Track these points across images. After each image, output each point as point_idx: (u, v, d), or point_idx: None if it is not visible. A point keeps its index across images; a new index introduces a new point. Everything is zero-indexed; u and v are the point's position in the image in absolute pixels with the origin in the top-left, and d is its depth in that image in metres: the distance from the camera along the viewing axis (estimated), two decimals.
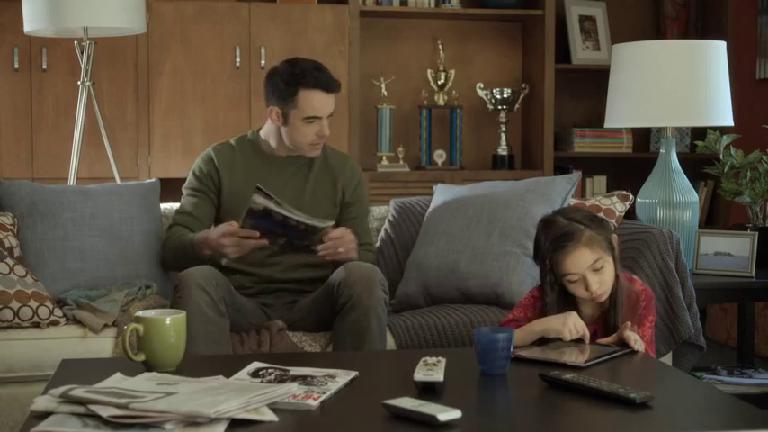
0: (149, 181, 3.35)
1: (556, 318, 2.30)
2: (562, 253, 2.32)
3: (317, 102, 2.83)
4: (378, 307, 2.62)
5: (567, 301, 2.38)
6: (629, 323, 2.31)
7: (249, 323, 2.77)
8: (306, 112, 2.83)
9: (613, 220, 3.11)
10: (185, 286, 2.56)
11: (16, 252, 2.96)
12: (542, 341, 2.29)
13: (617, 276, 2.37)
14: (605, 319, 2.39)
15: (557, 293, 2.38)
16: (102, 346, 2.77)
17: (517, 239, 3.00)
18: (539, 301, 2.43)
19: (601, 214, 2.92)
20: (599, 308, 2.40)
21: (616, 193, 3.22)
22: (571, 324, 2.26)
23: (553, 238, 2.34)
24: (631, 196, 3.24)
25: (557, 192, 3.12)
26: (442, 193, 3.33)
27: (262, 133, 2.99)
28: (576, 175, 3.19)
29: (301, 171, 2.97)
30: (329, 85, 2.85)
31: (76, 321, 2.83)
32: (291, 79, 2.83)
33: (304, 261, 2.88)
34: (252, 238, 2.66)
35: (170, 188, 4.00)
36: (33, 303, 2.80)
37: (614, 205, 3.16)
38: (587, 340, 2.27)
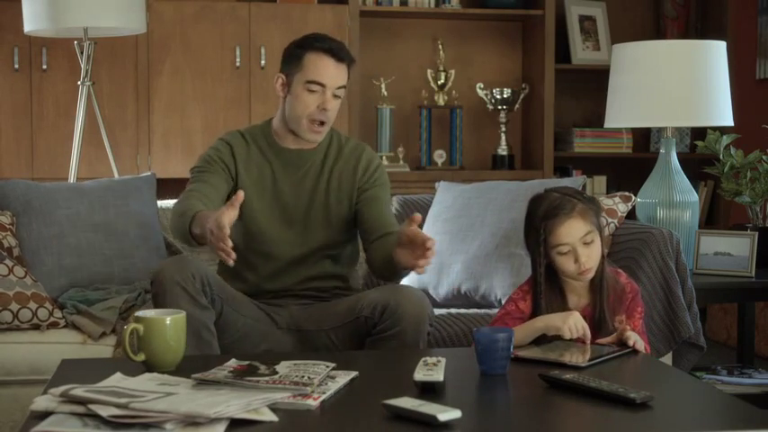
0: (144, 174, 3.35)
1: (557, 315, 2.31)
2: (555, 222, 2.34)
3: (322, 66, 2.61)
4: (421, 341, 2.44)
5: (554, 288, 2.40)
6: (628, 326, 2.32)
7: (242, 316, 2.58)
8: (309, 75, 2.61)
9: (615, 221, 3.11)
10: (160, 283, 2.39)
11: (15, 252, 2.96)
12: (542, 340, 2.29)
13: (603, 259, 2.40)
14: (592, 308, 2.40)
15: (544, 281, 2.39)
16: (102, 353, 2.76)
17: (521, 241, 2.99)
18: (528, 293, 2.44)
19: (603, 214, 2.93)
20: (586, 293, 2.42)
21: (618, 193, 3.22)
22: (571, 322, 2.27)
23: (547, 208, 2.36)
24: (634, 197, 3.24)
25: None
26: (445, 192, 3.33)
27: (273, 123, 2.75)
28: (580, 179, 3.20)
29: (315, 167, 2.71)
30: (339, 51, 2.63)
31: (76, 327, 2.83)
32: (302, 41, 2.65)
33: (316, 273, 2.70)
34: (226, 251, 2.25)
35: (170, 188, 4.00)
36: (33, 305, 2.80)
37: (617, 205, 3.16)
38: (588, 341, 2.27)
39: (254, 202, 2.66)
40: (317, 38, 2.65)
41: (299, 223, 2.68)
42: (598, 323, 2.38)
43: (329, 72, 2.62)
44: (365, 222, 2.69)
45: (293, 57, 2.65)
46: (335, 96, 2.64)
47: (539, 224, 2.37)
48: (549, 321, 2.31)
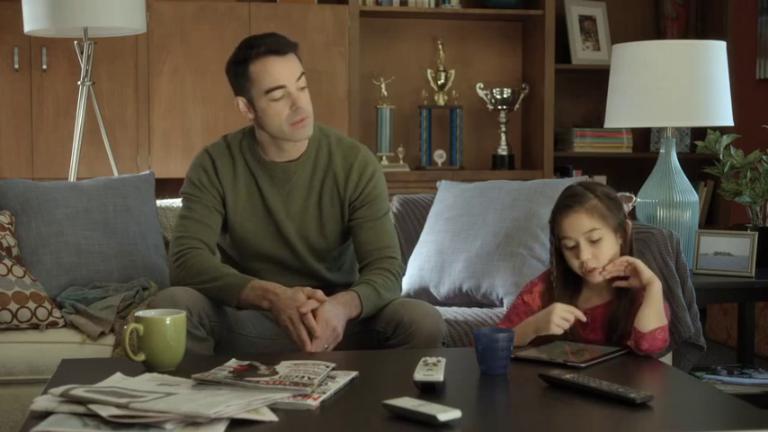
0: (143, 173, 3.36)
1: (542, 315, 2.28)
2: (562, 213, 2.32)
3: (271, 68, 2.43)
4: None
5: (568, 282, 2.36)
6: (629, 258, 2.31)
7: (244, 336, 2.53)
8: (264, 85, 2.44)
9: None
10: None
11: (14, 251, 2.96)
12: (541, 341, 2.29)
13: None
14: (608, 310, 2.33)
15: (561, 274, 2.36)
16: (101, 353, 2.76)
17: (523, 240, 2.99)
18: (536, 286, 2.42)
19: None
20: (605, 293, 2.35)
21: (620, 194, 3.22)
22: (556, 317, 2.24)
23: (560, 199, 2.35)
24: (635, 197, 3.24)
25: None
26: (446, 190, 3.33)
27: (257, 135, 2.58)
28: (582, 179, 3.20)
29: (303, 179, 2.58)
30: (279, 46, 2.45)
31: (74, 326, 2.83)
32: (238, 56, 2.47)
33: (317, 285, 2.52)
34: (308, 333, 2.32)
35: (170, 188, 4.00)
36: (32, 304, 2.80)
37: None
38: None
39: (245, 224, 2.57)
40: (250, 44, 2.47)
41: (295, 240, 2.58)
42: (612, 326, 2.32)
43: (281, 71, 2.45)
44: (357, 245, 2.59)
45: (239, 75, 2.48)
46: (301, 89, 2.48)
47: (552, 215, 2.36)
48: (536, 324, 2.29)
